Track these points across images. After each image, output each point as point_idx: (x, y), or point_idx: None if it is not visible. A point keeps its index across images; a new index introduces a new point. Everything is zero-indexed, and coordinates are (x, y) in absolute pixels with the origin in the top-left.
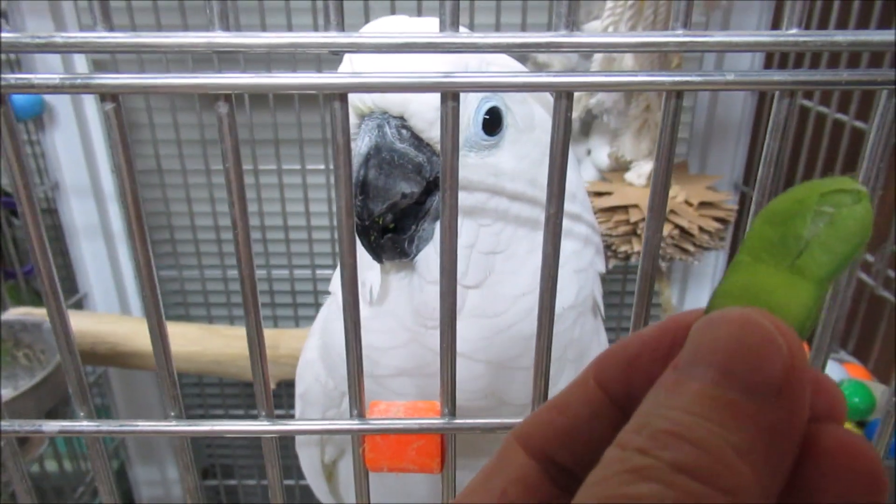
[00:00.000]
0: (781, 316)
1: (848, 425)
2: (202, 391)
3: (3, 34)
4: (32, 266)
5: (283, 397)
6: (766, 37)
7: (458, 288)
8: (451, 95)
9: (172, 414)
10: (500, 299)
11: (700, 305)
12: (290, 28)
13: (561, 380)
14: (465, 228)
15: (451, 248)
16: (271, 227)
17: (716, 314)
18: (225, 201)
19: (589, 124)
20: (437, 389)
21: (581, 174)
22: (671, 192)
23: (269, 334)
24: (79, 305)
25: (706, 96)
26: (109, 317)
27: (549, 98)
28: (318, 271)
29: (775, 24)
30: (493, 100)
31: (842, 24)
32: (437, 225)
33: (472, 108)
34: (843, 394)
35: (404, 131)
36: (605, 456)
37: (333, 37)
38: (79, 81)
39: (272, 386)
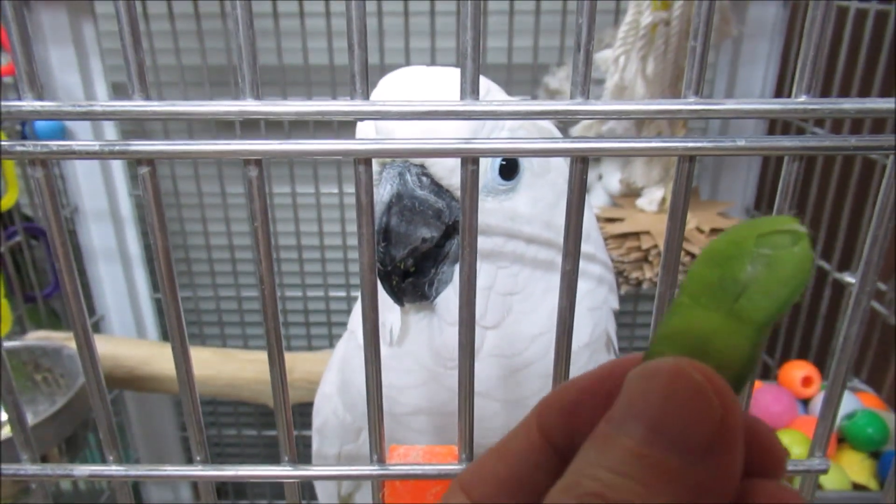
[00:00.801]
0: (718, 363)
1: (861, 455)
2: (215, 409)
3: (45, 103)
4: (51, 289)
5: (295, 415)
6: (777, 104)
7: (477, 328)
8: (471, 160)
9: (199, 459)
10: (517, 339)
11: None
12: (309, 96)
13: None
14: (484, 271)
15: (470, 301)
16: (285, 247)
17: (650, 365)
18: (239, 221)
19: None
20: (454, 427)
21: (592, 208)
22: None
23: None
24: (96, 328)
25: (717, 121)
26: (127, 341)
27: None
28: (331, 292)
29: (786, 51)
30: None
31: (845, 87)
32: (456, 268)
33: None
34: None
35: (424, 178)
36: None
37: (359, 105)
38: (117, 148)
39: None
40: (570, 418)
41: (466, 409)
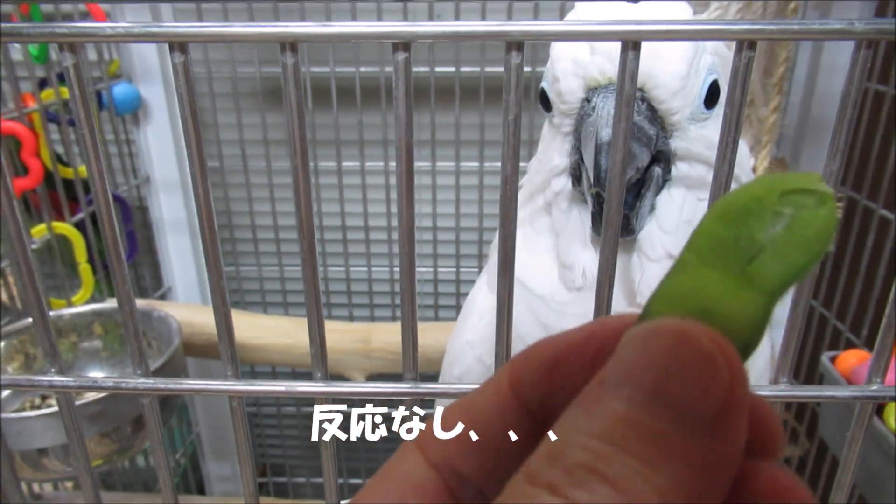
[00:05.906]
0: (725, 330)
1: None
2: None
3: None
4: (127, 255)
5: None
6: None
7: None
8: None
9: (229, 374)
10: None
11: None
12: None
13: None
14: (687, 202)
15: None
16: (329, 228)
17: (651, 324)
18: (285, 200)
19: None
20: None
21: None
22: None
23: (361, 328)
24: (163, 300)
25: (799, 96)
26: (205, 308)
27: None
28: (396, 270)
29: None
30: (714, 73)
31: None
32: (658, 199)
33: (700, 80)
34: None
35: (641, 104)
36: (512, 486)
37: None
38: (149, 30)
39: (360, 379)
40: (548, 376)
41: None
